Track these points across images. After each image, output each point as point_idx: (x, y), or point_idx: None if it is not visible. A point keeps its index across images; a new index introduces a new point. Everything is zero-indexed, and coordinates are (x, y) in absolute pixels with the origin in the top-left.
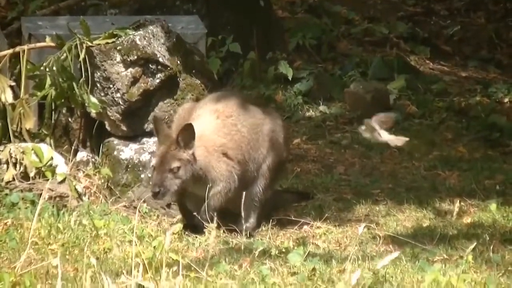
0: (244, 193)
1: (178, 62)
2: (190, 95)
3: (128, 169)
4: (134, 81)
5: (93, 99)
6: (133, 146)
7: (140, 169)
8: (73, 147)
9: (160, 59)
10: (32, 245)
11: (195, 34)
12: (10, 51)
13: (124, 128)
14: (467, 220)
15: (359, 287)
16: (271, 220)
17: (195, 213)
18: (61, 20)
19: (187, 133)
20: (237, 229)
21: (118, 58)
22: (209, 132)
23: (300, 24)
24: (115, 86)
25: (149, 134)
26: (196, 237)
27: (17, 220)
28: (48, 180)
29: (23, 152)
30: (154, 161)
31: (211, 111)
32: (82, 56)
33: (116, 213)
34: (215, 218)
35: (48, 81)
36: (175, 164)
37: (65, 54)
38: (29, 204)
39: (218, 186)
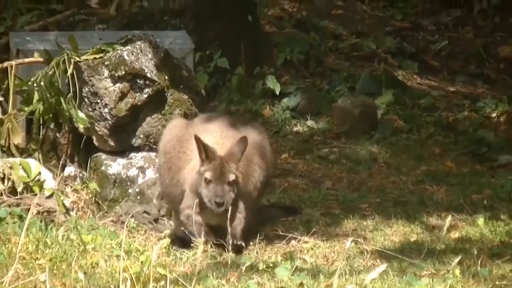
0: (230, 208)
1: (166, 77)
2: (178, 110)
3: (116, 184)
4: (122, 96)
5: (81, 114)
6: (121, 161)
7: (128, 184)
8: (61, 162)
9: (148, 74)
10: (20, 260)
11: (182, 49)
12: None
13: (112, 143)
14: (454, 234)
15: None
16: (258, 235)
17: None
18: (50, 36)
19: (243, 146)
20: (225, 245)
21: (106, 73)
22: None
23: (288, 39)
24: (103, 101)
25: (137, 149)
26: (184, 251)
27: (5, 235)
28: (36, 195)
29: (11, 167)
30: (208, 174)
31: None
32: (70, 71)
33: (103, 228)
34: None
35: (36, 96)
36: (233, 178)
37: (53, 70)
38: (16, 219)
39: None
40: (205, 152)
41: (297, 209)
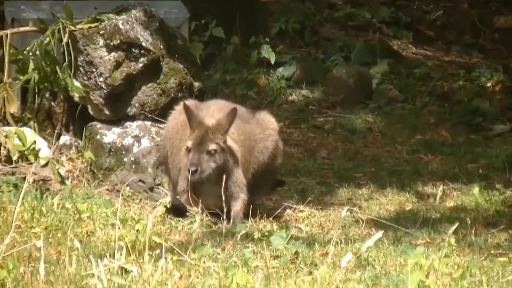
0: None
1: (161, 46)
2: (173, 79)
3: (111, 153)
4: (117, 65)
5: (76, 83)
6: (116, 130)
7: (123, 153)
8: (56, 131)
9: (143, 44)
10: (15, 228)
11: (178, 18)
12: None
13: (107, 112)
14: (450, 204)
15: (341, 271)
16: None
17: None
18: (44, 5)
19: (231, 118)
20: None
21: (101, 42)
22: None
23: (283, 8)
24: (98, 70)
25: (132, 118)
26: (179, 220)
27: (0, 204)
28: (31, 163)
29: (6, 136)
30: (189, 143)
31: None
32: (65, 40)
33: (99, 196)
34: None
35: (31, 65)
36: (213, 147)
37: (48, 39)
38: (12, 187)
39: (237, 201)
40: (191, 121)
41: (283, 181)
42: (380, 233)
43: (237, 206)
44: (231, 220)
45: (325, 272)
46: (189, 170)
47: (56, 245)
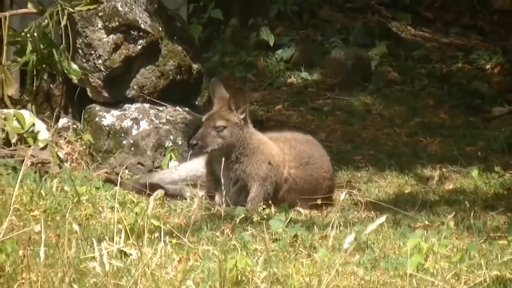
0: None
1: (160, 28)
2: (171, 61)
3: (110, 136)
4: (116, 47)
5: (74, 66)
6: (115, 112)
7: (122, 135)
8: (54, 114)
9: (142, 26)
10: (14, 211)
11: (176, 0)
12: None
13: (105, 94)
14: (448, 186)
15: (340, 253)
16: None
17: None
18: None
19: (240, 96)
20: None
21: (100, 24)
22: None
23: None
24: (96, 53)
25: (131, 101)
26: (178, 203)
27: None
28: (30, 146)
29: (4, 119)
30: (203, 118)
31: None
32: (63, 22)
33: (98, 179)
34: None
35: (30, 48)
36: (220, 123)
37: (46, 21)
38: (10, 170)
39: (253, 188)
40: (213, 98)
41: None
42: (383, 217)
43: (253, 192)
44: (247, 203)
45: (324, 255)
46: (189, 143)
47: (55, 228)
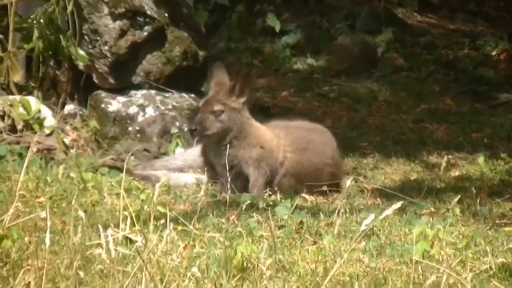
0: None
1: (166, 14)
2: (178, 47)
3: (116, 122)
4: (122, 33)
5: (81, 52)
6: (121, 98)
7: (128, 122)
8: (60, 100)
9: (148, 12)
10: (20, 198)
11: None
12: None
13: (111, 80)
14: (454, 173)
15: (346, 240)
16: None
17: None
18: None
19: (246, 82)
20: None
21: (106, 10)
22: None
23: None
24: (102, 39)
25: (137, 87)
26: (184, 190)
27: (5, 173)
28: (35, 132)
29: (10, 105)
30: (200, 103)
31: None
32: (69, 8)
33: (103, 165)
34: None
35: (36, 34)
36: (218, 107)
37: (52, 7)
38: (16, 156)
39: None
40: (213, 82)
41: None
42: (399, 203)
43: (252, 177)
44: (249, 189)
45: (330, 242)
46: (188, 129)
47: (61, 214)
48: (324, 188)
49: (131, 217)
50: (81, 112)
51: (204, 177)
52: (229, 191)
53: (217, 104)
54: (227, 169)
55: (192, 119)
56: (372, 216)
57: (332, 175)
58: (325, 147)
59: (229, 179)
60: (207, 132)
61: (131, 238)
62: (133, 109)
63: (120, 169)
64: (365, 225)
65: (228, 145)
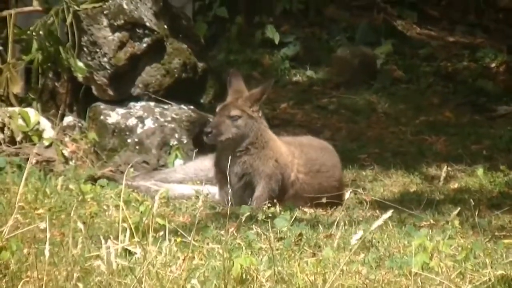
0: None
1: (165, 26)
2: (177, 59)
3: (115, 134)
4: (121, 45)
5: (80, 64)
6: (120, 110)
7: (127, 133)
8: (59, 112)
9: (147, 24)
10: (19, 209)
11: None
12: None
13: (110, 92)
14: (454, 185)
15: (345, 252)
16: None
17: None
18: None
19: (265, 92)
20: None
21: (105, 22)
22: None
23: None
24: (102, 51)
25: (136, 99)
26: (183, 202)
27: (4, 185)
28: (34, 144)
29: (10, 117)
30: (217, 108)
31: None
32: (69, 20)
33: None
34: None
35: (35, 45)
36: (235, 113)
37: (52, 18)
38: (15, 168)
39: (259, 187)
40: (229, 89)
41: None
42: (389, 212)
43: (258, 191)
44: (253, 202)
45: (329, 254)
46: (203, 132)
47: (60, 226)
48: (324, 200)
49: (130, 229)
50: (80, 124)
51: (202, 188)
52: (229, 204)
53: (234, 109)
54: (239, 176)
55: (191, 131)
56: (360, 232)
57: (337, 196)
58: (334, 169)
59: (236, 188)
60: (221, 136)
61: (130, 250)
62: (132, 121)
63: (118, 181)
64: (356, 240)
65: (244, 151)
